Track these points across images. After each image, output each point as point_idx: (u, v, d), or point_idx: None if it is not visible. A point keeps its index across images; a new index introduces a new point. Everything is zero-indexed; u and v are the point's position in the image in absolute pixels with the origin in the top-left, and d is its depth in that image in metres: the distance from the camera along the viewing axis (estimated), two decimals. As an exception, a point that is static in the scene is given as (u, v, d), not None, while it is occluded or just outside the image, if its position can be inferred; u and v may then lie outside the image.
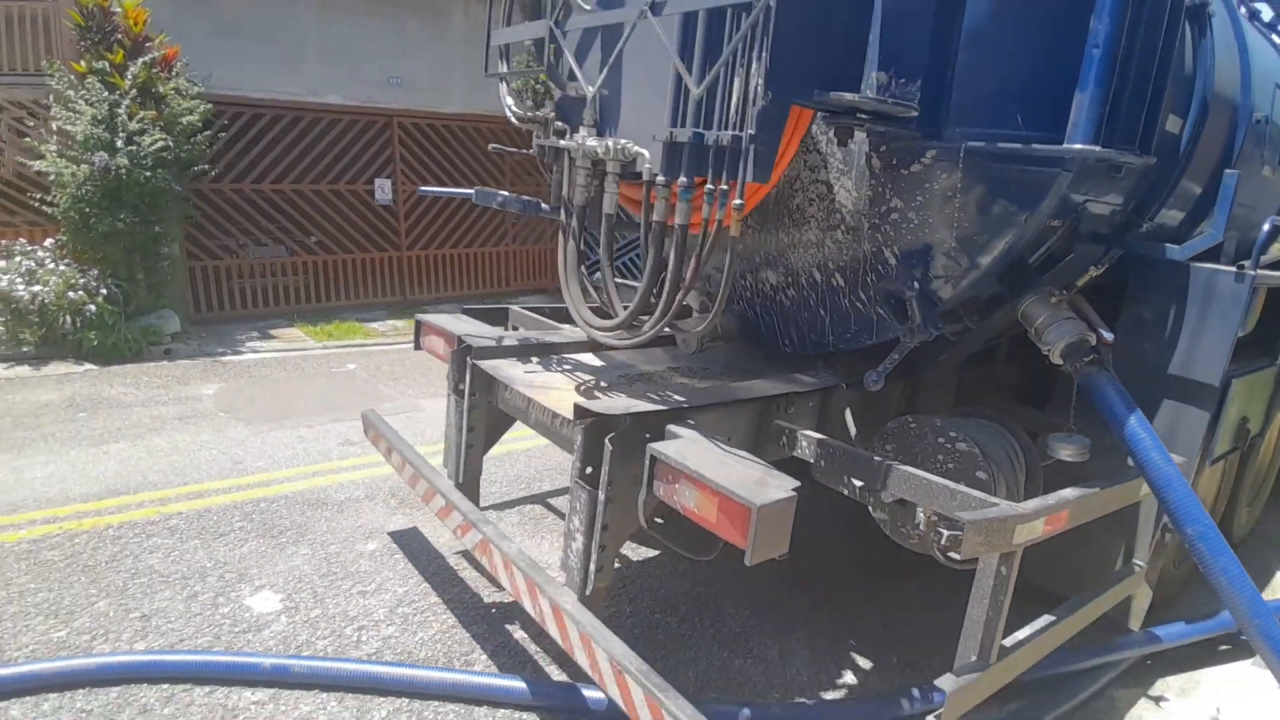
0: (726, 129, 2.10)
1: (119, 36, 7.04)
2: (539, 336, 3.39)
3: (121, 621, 3.12)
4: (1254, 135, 3.47)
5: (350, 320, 9.38)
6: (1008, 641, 2.32)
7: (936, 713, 2.10)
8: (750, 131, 2.03)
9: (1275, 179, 3.92)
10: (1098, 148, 2.24)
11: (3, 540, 3.67)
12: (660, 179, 2.30)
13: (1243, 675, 3.28)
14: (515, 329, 4.00)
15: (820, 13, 2.08)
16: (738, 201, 2.08)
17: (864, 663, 3.22)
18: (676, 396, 2.61)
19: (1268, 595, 3.98)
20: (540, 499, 4.58)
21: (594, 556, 2.38)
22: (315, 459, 4.97)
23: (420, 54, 9.86)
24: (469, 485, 3.17)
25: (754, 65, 2.00)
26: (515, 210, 2.97)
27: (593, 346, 3.32)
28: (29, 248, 6.98)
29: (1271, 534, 4.73)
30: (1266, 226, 2.95)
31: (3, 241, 7.12)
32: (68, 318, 6.70)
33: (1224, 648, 3.48)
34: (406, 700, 2.75)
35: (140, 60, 7.03)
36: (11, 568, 3.44)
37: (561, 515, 4.37)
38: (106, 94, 6.84)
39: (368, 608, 3.32)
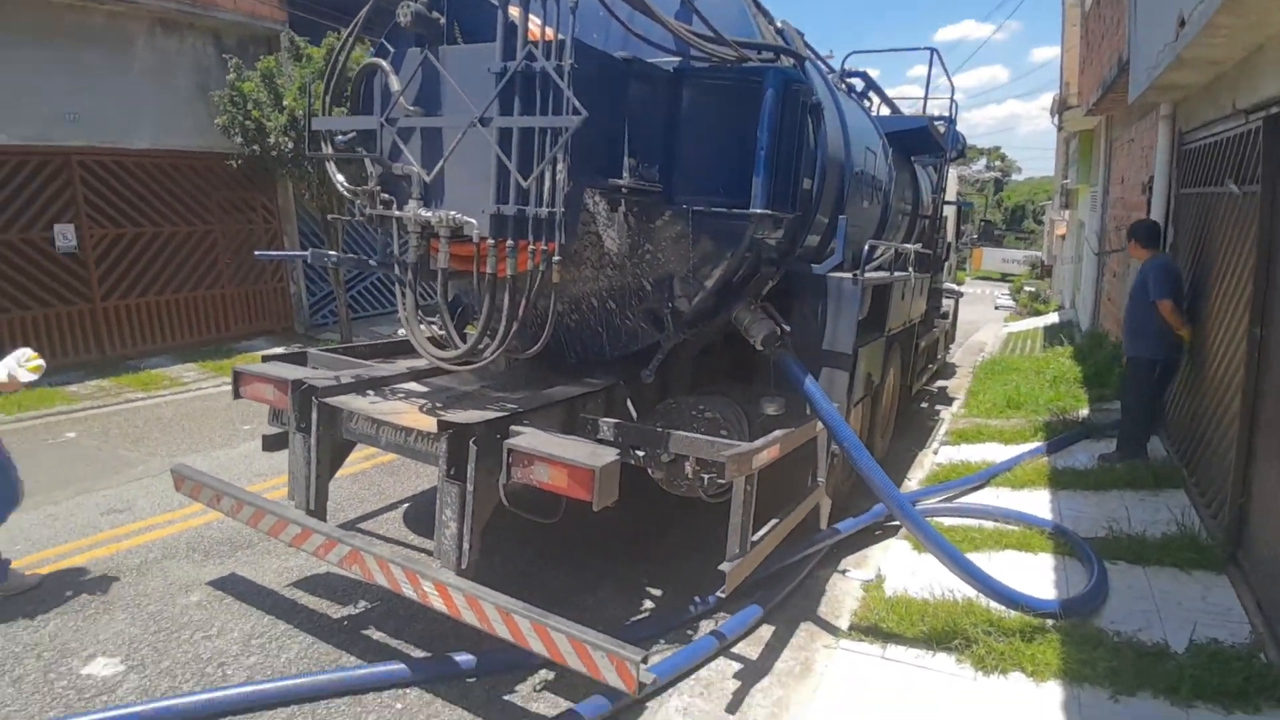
0: (543, 206, 2.93)
1: None
2: (366, 372, 3.87)
3: (-60, 720, 2.98)
4: (855, 183, 5.17)
5: (40, 386, 8.27)
6: (755, 537, 3.46)
7: (722, 588, 3.15)
8: (560, 209, 2.89)
9: (872, 209, 5.77)
10: (768, 211, 3.49)
11: None
12: (490, 240, 3.05)
13: (890, 548, 4.90)
14: (315, 369, 4.37)
15: (597, 128, 3.01)
16: (557, 257, 2.93)
17: (656, 592, 4.24)
18: (509, 405, 3.36)
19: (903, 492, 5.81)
20: (349, 525, 4.91)
21: (467, 537, 3.04)
22: (82, 533, 4.71)
23: (102, 88, 9.00)
24: (319, 511, 3.57)
25: (560, 164, 2.86)
26: (350, 268, 3.46)
27: (413, 377, 3.90)
28: None
29: (899, 455, 6.75)
30: (866, 247, 4.53)
31: None
32: None
33: (878, 533, 5.12)
34: (298, 707, 3.11)
35: None
36: None
37: (377, 535, 4.77)
38: None
39: (219, 648, 3.51)
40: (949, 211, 9.95)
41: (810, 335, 4.47)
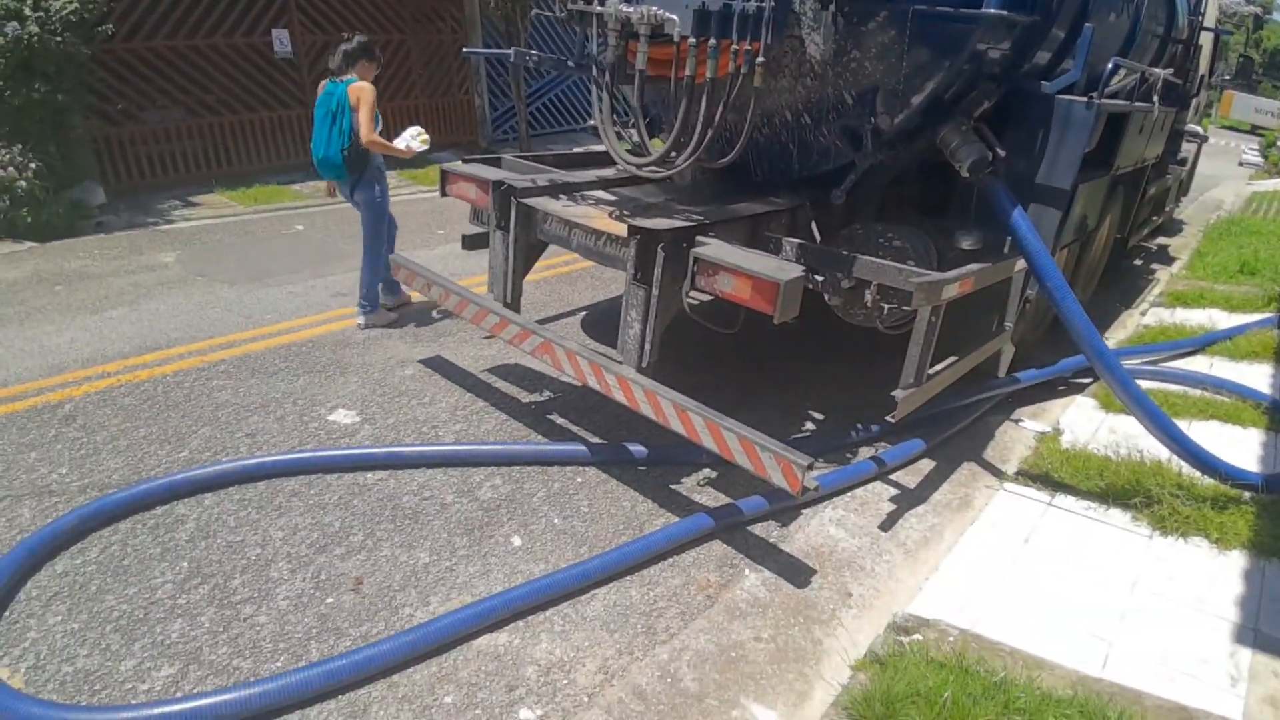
0: (750, 0, 2.76)
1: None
2: (559, 178, 4.01)
3: (230, 440, 3.72)
4: (1104, -11, 4.38)
5: (271, 184, 9.29)
6: (931, 371, 3.40)
7: (891, 415, 3.17)
8: (770, 3, 2.70)
9: (1119, 23, 4.91)
10: (1002, 11, 3.06)
11: (77, 395, 4.08)
12: (691, 40, 2.95)
13: (1074, 404, 4.65)
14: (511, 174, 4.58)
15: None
16: (761, 59, 2.79)
17: (818, 416, 4.34)
18: (696, 216, 3.38)
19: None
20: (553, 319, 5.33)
21: (649, 338, 3.22)
22: (317, 309, 5.44)
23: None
24: (515, 304, 3.89)
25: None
26: (548, 69, 3.50)
27: (602, 185, 3.99)
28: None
29: (1099, 311, 6.18)
30: (1110, 65, 3.92)
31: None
32: (2, 197, 6.49)
33: (1061, 389, 4.84)
34: (496, 468, 3.59)
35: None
36: (97, 414, 3.90)
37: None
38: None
39: (432, 414, 4.07)
40: (1205, 39, 8.26)
41: (1025, 164, 4.05)
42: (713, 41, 2.88)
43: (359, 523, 3.16)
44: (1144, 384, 4.74)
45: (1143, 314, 6.21)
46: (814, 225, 3.84)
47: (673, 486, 3.56)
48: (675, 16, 2.96)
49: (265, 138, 9.80)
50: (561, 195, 3.78)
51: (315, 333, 5.03)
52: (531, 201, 3.62)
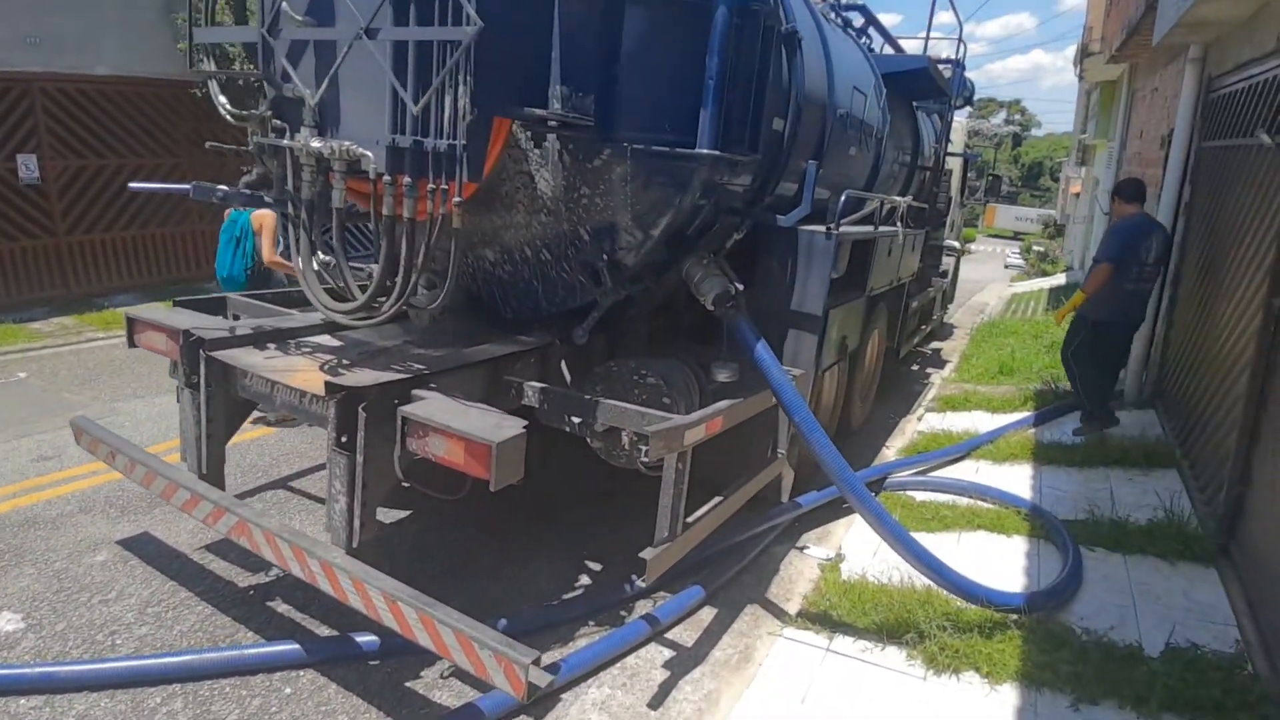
0: (442, 138, 2.51)
1: None
2: (271, 323, 3.52)
3: None
4: (840, 125, 4.67)
5: (5, 322, 8.00)
6: (690, 519, 3.13)
7: (643, 576, 2.83)
8: (462, 141, 2.47)
9: (861, 156, 5.28)
10: (717, 151, 3.05)
11: None
12: (386, 177, 2.65)
13: (855, 522, 4.58)
14: (237, 317, 4.02)
15: (511, 43, 2.57)
16: (458, 199, 2.52)
17: (595, 566, 3.94)
18: (417, 365, 3.00)
19: (878, 462, 5.48)
20: (281, 483, 4.63)
21: (357, 513, 2.72)
22: (9, 479, 4.45)
23: (63, 9, 8.46)
24: (213, 475, 3.26)
25: (461, 87, 2.43)
26: (238, 205, 3.07)
27: (329, 328, 3.54)
28: None
29: (880, 421, 6.40)
30: (842, 199, 4.08)
31: None
32: None
33: (845, 506, 4.80)
34: (179, 686, 2.85)
35: None
36: None
37: (305, 495, 4.49)
38: None
39: (114, 614, 3.26)
40: (954, 164, 9.37)
41: (776, 294, 4.07)
42: (408, 180, 2.60)
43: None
44: (919, 495, 4.83)
45: (919, 420, 6.48)
46: (564, 365, 3.58)
47: (408, 684, 2.98)
48: (369, 153, 2.67)
49: (4, 270, 8.54)
50: (269, 344, 3.28)
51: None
52: (225, 355, 3.09)
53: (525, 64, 2.75)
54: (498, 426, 2.56)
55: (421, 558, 3.85)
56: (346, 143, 2.70)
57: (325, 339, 3.48)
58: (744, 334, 3.40)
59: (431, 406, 2.69)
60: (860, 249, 4.70)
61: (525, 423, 2.65)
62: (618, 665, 3.17)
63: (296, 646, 3.02)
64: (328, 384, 2.67)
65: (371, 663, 3.06)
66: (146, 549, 3.80)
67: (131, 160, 9.61)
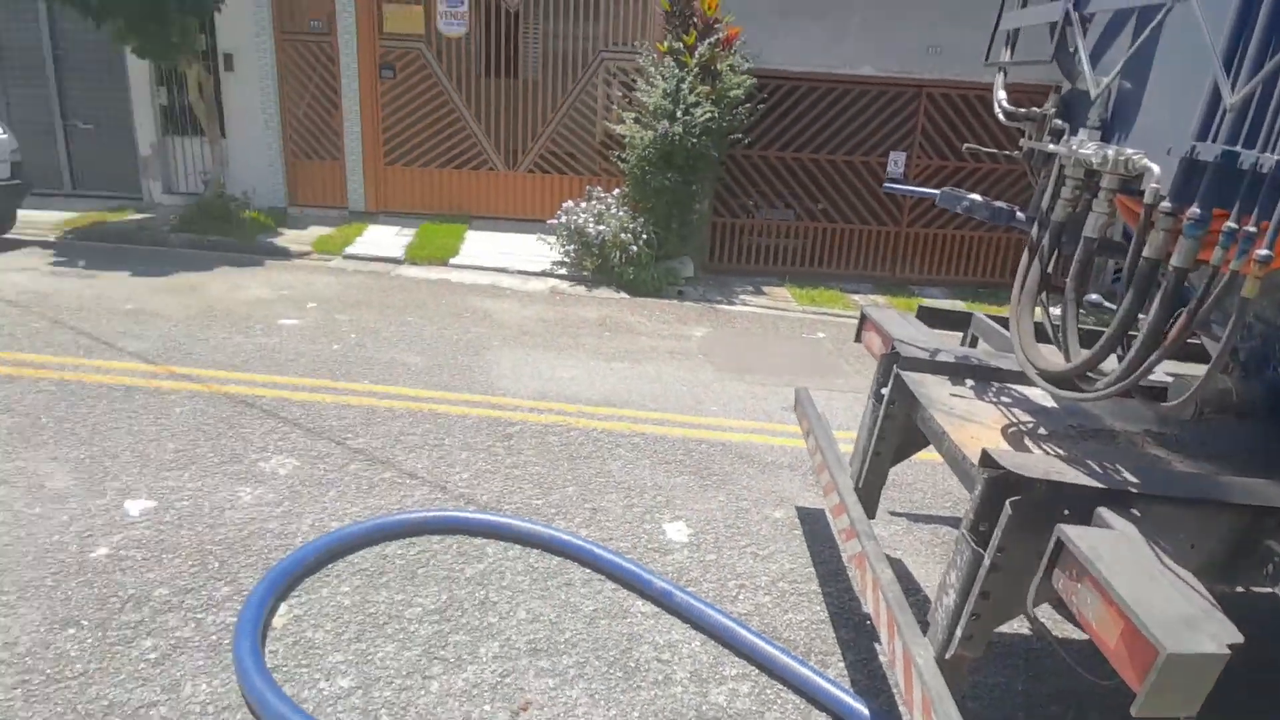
0: (1273, 151, 1.52)
1: (695, 20, 8.28)
2: (986, 357, 3.04)
3: (578, 508, 3.93)
4: None
5: (835, 288, 9.68)
6: None
7: None
8: (1311, 157, 1.43)
9: None
10: None
11: (529, 420, 4.92)
12: (1166, 204, 1.80)
13: None
14: (972, 340, 3.67)
15: None
16: (1264, 252, 1.50)
17: None
18: (1127, 474, 2.08)
19: None
20: (951, 521, 4.19)
21: (962, 622, 2.11)
22: (759, 416, 5.38)
23: (965, 20, 9.25)
24: (868, 491, 3.08)
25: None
26: (982, 218, 2.66)
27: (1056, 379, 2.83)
28: (603, 195, 8.92)
29: None
30: None
31: (589, 187, 9.25)
32: (616, 254, 8.40)
33: None
34: (756, 671, 2.89)
35: (707, 41, 8.18)
36: (527, 442, 4.61)
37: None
38: (677, 71, 8.17)
39: (753, 571, 3.54)
40: None
41: None
42: (1196, 210, 1.68)
43: (589, 650, 2.93)
44: None
45: None
46: None
47: None
48: (1155, 166, 1.84)
49: (851, 247, 10.31)
50: (968, 379, 2.82)
51: (734, 438, 4.96)
52: (913, 377, 2.79)
53: None
54: (1189, 624, 1.53)
55: (1027, 707, 2.89)
56: (1128, 151, 1.93)
57: (1040, 394, 2.80)
58: None
59: (1108, 544, 1.80)
60: None
61: (1239, 639, 1.52)
62: None
63: (866, 714, 2.67)
64: (984, 453, 2.08)
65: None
66: (814, 525, 3.99)
67: (984, 164, 10.03)
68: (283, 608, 2.99)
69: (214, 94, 9.99)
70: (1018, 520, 1.97)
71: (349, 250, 9.21)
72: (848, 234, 10.30)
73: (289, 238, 9.58)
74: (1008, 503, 1.99)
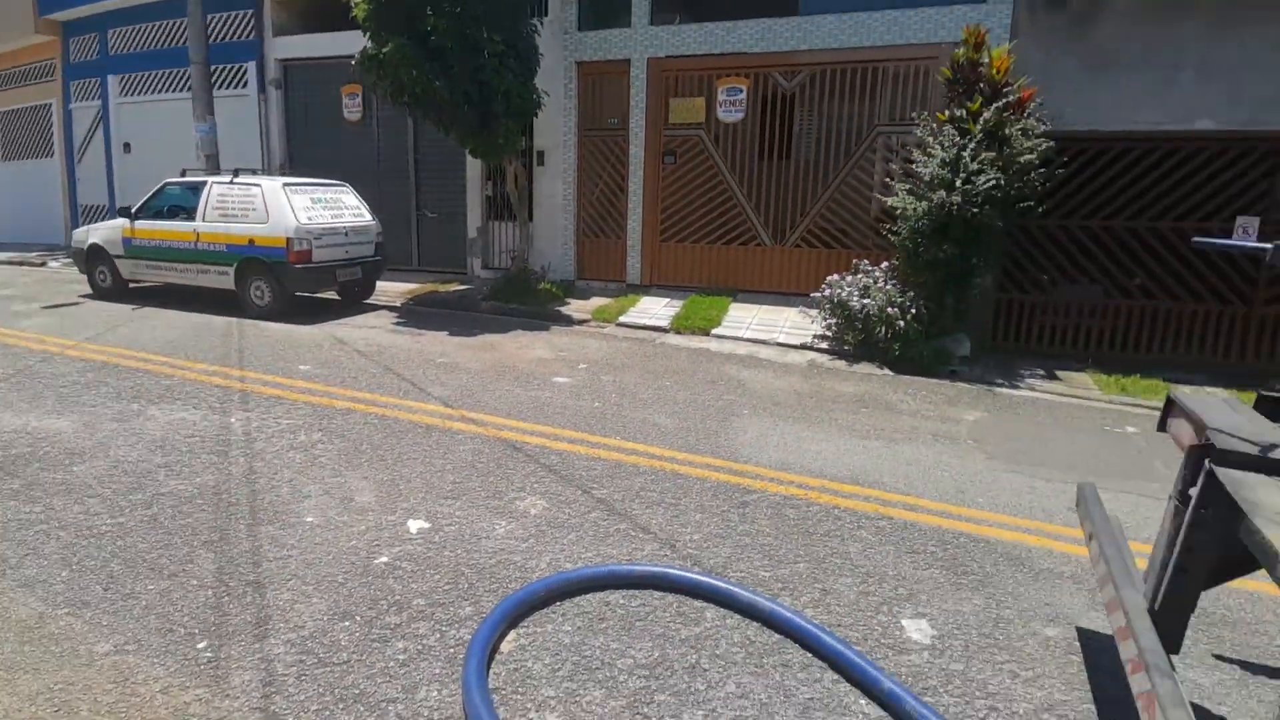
0: None
1: (981, 85, 7.78)
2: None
3: (807, 586, 3.66)
4: None
5: (1156, 378, 8.17)
6: None
7: None
8: None
9: None
10: None
11: (768, 490, 4.77)
12: None
13: None
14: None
15: None
16: None
17: None
18: None
19: None
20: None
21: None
22: (1037, 515, 4.63)
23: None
24: (1167, 616, 2.44)
25: None
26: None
27: None
28: (870, 268, 8.59)
29: None
30: None
31: (856, 260, 8.99)
32: (882, 329, 7.99)
33: None
34: (1001, 815, 2.39)
35: (994, 105, 7.62)
36: (762, 511, 4.46)
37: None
38: (958, 138, 7.70)
39: (1010, 693, 2.98)
40: None
41: None
42: None
43: (790, 739, 2.67)
44: None
45: None
46: None
47: None
48: None
49: (1181, 329, 8.70)
50: (1318, 483, 2.13)
51: (1003, 535, 4.31)
52: (1231, 476, 2.18)
53: None
54: None
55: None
56: None
57: None
58: None
59: None
60: None
61: None
62: None
63: None
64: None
65: None
66: (1100, 650, 3.27)
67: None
68: (512, 634, 3.17)
69: (527, 185, 11.63)
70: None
71: (622, 319, 9.94)
72: (1176, 314, 8.71)
73: (573, 306, 10.64)
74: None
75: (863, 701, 2.88)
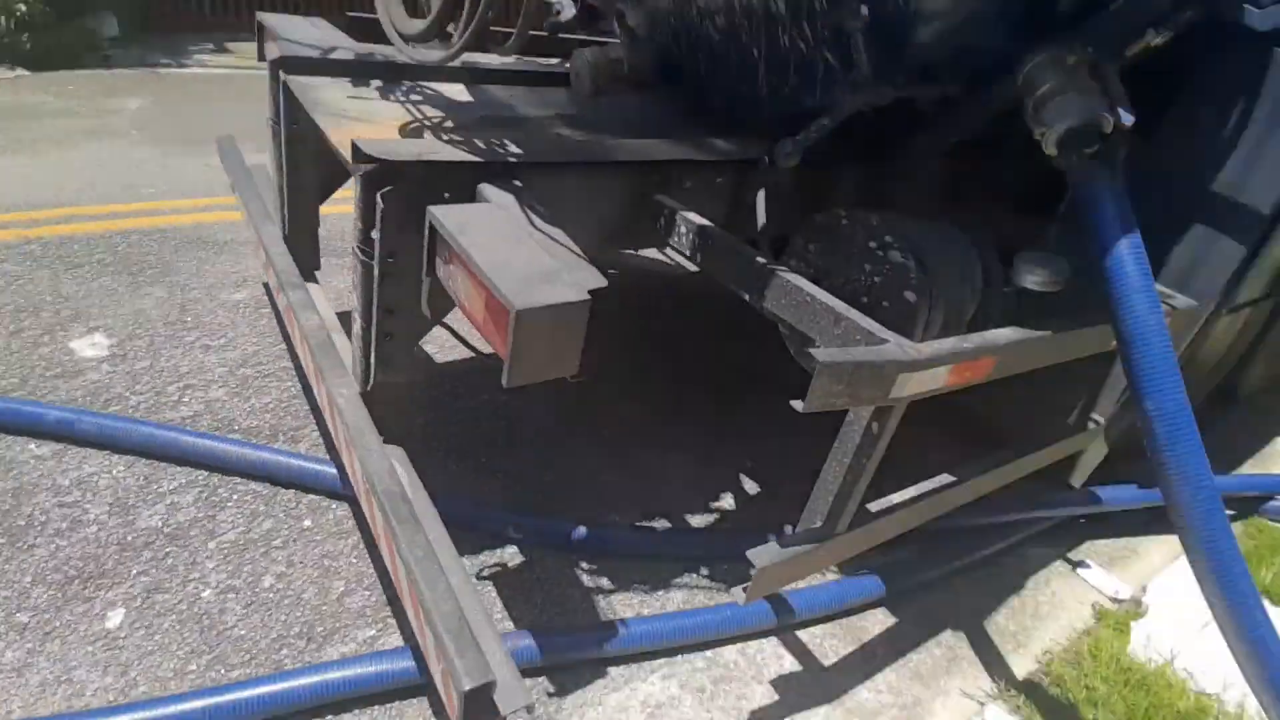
0: None
1: None
2: (400, 52, 2.62)
3: (-72, 349, 2.78)
4: None
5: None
6: (874, 506, 1.84)
7: (743, 586, 1.68)
8: None
9: None
10: None
11: None
12: None
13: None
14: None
15: None
16: None
17: (751, 487, 2.84)
18: (512, 147, 1.92)
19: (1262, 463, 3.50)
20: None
21: (373, 345, 1.86)
22: (215, 191, 4.38)
23: None
24: (300, 239, 2.61)
25: None
26: None
27: (479, 76, 2.57)
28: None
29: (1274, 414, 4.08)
30: None
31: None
32: (2, 19, 5.88)
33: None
34: (205, 474, 2.42)
35: None
36: None
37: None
38: None
39: (205, 364, 2.93)
40: None
41: (1193, 157, 2.25)
42: None
43: (-68, 527, 2.11)
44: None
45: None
46: (761, 199, 2.24)
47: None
48: None
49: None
50: (373, 80, 2.40)
51: (180, 220, 4.00)
52: (300, 82, 2.26)
53: None
54: (547, 278, 1.44)
55: (474, 426, 3.02)
56: None
57: (458, 89, 2.52)
58: (1102, 211, 1.78)
59: (477, 216, 1.63)
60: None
61: (603, 283, 1.51)
62: (703, 656, 2.15)
63: (334, 471, 2.42)
64: (353, 145, 1.71)
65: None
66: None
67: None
68: None
69: None
70: (396, 213, 1.69)
71: None
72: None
73: None
74: (379, 195, 1.68)
75: (33, 445, 2.43)
